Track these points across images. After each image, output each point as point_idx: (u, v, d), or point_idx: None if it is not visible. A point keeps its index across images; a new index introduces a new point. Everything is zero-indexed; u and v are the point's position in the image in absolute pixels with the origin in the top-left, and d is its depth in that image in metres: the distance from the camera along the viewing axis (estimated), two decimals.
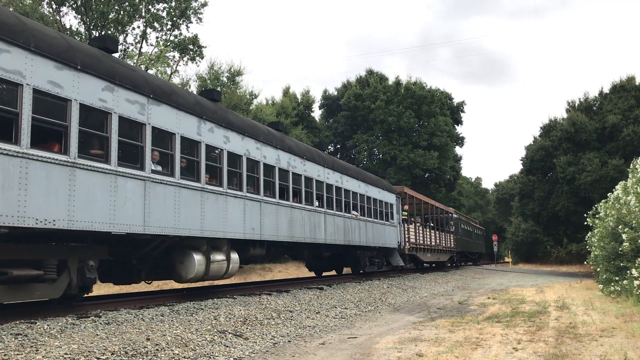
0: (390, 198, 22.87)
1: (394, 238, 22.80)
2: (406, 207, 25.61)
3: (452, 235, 35.54)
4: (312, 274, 21.45)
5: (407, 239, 24.38)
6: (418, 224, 27.51)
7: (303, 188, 14.66)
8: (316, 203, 15.38)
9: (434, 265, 33.29)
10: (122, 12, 26.31)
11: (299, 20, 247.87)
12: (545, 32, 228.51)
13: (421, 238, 27.34)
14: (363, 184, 19.61)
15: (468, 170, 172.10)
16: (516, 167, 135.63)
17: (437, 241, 30.94)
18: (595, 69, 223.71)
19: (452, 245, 35.44)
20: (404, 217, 24.61)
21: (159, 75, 26.65)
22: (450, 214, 36.67)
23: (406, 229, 24.62)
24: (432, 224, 30.59)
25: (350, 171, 18.70)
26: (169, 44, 28.11)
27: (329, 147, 53.67)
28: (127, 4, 26.08)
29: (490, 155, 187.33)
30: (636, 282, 11.55)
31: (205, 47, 30.90)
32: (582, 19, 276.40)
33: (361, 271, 19.95)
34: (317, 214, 15.37)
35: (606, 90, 43.23)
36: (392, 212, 22.96)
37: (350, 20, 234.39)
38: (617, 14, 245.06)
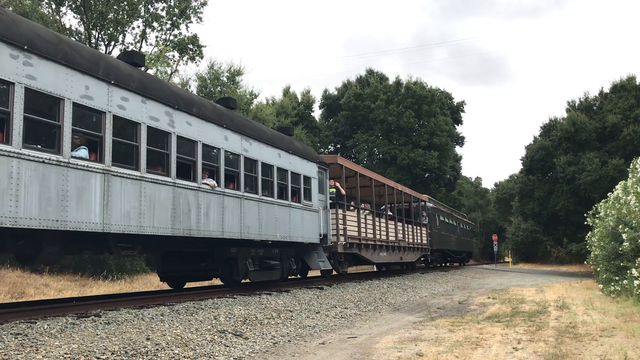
0: (307, 169, 15.21)
1: (313, 228, 15.21)
2: (332, 182, 17.63)
3: (424, 229, 28.51)
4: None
5: (342, 231, 17.16)
6: (367, 212, 20.46)
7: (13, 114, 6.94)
8: (79, 153, 7.95)
9: (404, 267, 27.21)
10: (120, 12, 26.32)
11: (297, 20, 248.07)
12: (541, 32, 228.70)
13: (370, 230, 20.02)
14: (238, 138, 11.95)
15: (468, 170, 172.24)
16: (516, 167, 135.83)
17: (400, 235, 23.68)
18: (595, 69, 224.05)
19: (425, 242, 28.44)
20: (331, 196, 17.27)
21: (159, 76, 26.67)
22: (423, 203, 29.60)
23: (341, 216, 17.29)
24: (390, 213, 23.29)
25: (202, 110, 10.86)
26: (168, 43, 28.11)
27: (330, 146, 53.79)
28: (125, 3, 26.08)
29: (490, 155, 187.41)
30: (636, 282, 11.56)
31: (205, 46, 30.88)
32: (578, 19, 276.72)
33: (243, 280, 12.84)
34: (77, 173, 7.78)
35: (606, 90, 43.29)
36: (311, 189, 15.32)
37: (346, 22, 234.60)
38: (615, 14, 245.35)
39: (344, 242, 17.23)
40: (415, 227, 26.59)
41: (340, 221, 17.31)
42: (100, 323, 7.29)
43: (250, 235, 12.19)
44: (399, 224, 23.92)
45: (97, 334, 6.51)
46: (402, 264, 26.49)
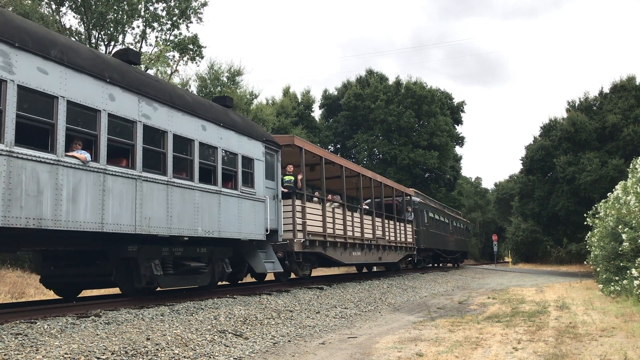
0: (249, 148, 12.23)
1: (255, 222, 12.22)
2: (290, 167, 14.99)
3: (409, 226, 25.56)
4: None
5: (300, 226, 14.37)
6: (335, 205, 17.46)
7: None
8: None
9: (384, 268, 24.57)
10: (120, 12, 26.34)
11: (296, 21, 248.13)
12: (540, 32, 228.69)
13: (340, 226, 17.13)
14: (134, 99, 9.03)
15: (468, 170, 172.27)
16: (516, 167, 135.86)
17: (379, 233, 20.87)
18: (595, 69, 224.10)
19: (410, 240, 25.41)
20: (287, 185, 14.46)
21: (159, 75, 26.69)
22: (409, 197, 26.54)
23: (299, 209, 14.46)
24: (366, 207, 20.73)
25: (69, 55, 7.96)
26: (168, 43, 28.14)
27: (330, 146, 53.81)
28: (125, 3, 26.10)
29: (490, 155, 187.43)
30: (636, 282, 11.56)
31: (205, 47, 30.90)
32: (577, 20, 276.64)
33: (144, 286, 9.80)
34: None
35: (606, 90, 43.35)
36: (253, 173, 12.35)
37: (343, 22, 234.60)
38: (614, 14, 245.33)
39: (302, 240, 14.26)
40: (398, 223, 23.61)
41: (299, 214, 14.36)
42: (100, 323, 7.29)
43: (152, 229, 9.12)
44: (378, 219, 20.99)
45: (97, 334, 6.51)
46: (382, 265, 23.82)
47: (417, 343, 7.67)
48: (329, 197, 18.08)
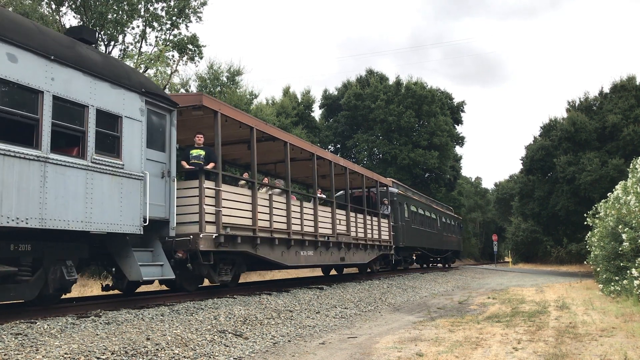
0: (115, 101, 8.49)
1: (123, 207, 8.46)
2: (199, 138, 11.49)
3: (386, 221, 21.89)
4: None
5: (211, 217, 10.72)
6: (277, 191, 14.22)
7: None
8: None
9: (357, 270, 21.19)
10: (120, 12, 26.34)
11: (295, 20, 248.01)
12: (538, 32, 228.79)
13: (281, 219, 13.46)
14: None
15: (468, 170, 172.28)
16: (516, 167, 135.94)
17: (342, 228, 17.25)
18: (595, 69, 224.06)
19: (386, 237, 21.70)
20: (195, 161, 11.15)
21: (159, 75, 26.71)
22: (385, 188, 22.52)
23: (210, 193, 10.80)
24: (322, 195, 17.52)
25: None
26: (168, 43, 28.13)
27: (329, 146, 53.81)
28: (125, 3, 26.10)
29: (490, 155, 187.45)
30: (636, 282, 11.56)
31: (204, 46, 30.90)
32: (576, 20, 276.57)
33: None
34: None
35: (606, 90, 43.37)
36: (121, 137, 8.56)
37: (341, 22, 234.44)
38: (613, 14, 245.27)
39: (214, 235, 10.63)
40: (369, 217, 19.95)
41: (210, 200, 10.73)
42: (100, 323, 7.29)
43: None
44: (340, 211, 17.33)
45: (97, 334, 6.51)
46: (349, 267, 20.67)
47: (417, 343, 7.67)
48: (266, 180, 15.23)
